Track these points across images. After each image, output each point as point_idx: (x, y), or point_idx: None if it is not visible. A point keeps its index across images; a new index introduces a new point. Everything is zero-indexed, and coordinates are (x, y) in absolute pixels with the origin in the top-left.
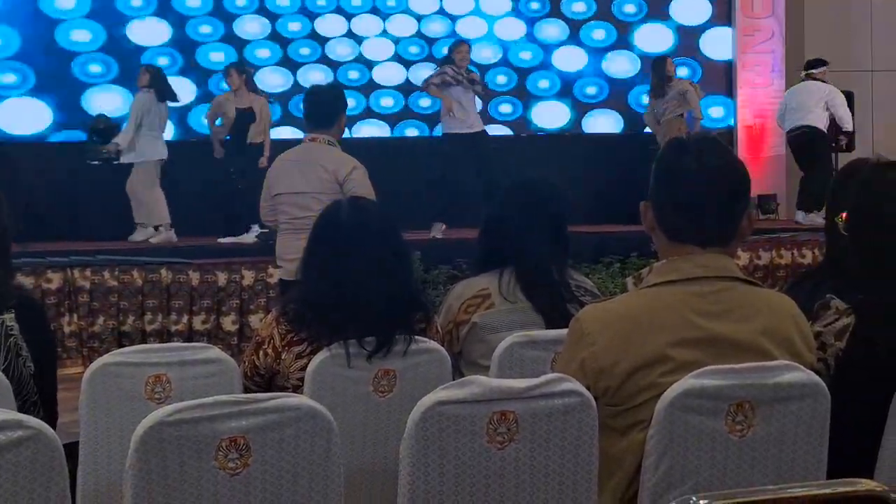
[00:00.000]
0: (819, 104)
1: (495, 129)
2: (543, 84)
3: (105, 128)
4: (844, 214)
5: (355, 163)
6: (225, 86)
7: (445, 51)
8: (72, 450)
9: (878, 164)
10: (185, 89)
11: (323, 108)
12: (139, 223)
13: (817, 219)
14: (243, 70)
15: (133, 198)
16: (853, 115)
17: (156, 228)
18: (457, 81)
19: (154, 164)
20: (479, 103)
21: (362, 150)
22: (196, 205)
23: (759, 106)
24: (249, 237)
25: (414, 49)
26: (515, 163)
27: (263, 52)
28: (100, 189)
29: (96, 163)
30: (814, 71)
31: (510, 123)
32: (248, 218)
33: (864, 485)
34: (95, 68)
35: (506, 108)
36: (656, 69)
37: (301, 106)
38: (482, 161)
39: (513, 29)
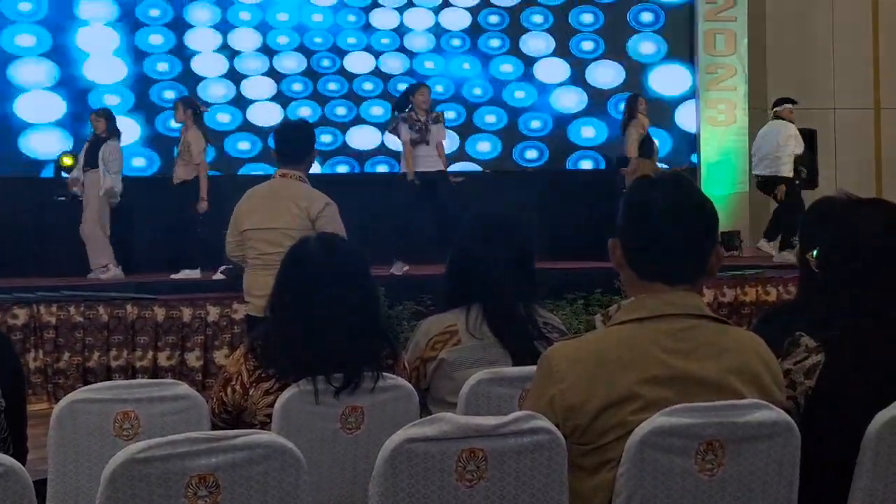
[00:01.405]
0: (780, 148)
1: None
2: (489, 119)
3: (75, 164)
4: (815, 251)
5: (327, 199)
6: (174, 123)
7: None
8: (39, 487)
9: (849, 200)
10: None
11: (295, 145)
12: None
13: (787, 255)
14: (190, 104)
15: (93, 241)
16: (816, 152)
17: (104, 267)
18: (410, 126)
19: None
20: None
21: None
22: (156, 241)
23: (723, 143)
24: (217, 274)
25: (368, 86)
26: (473, 201)
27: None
28: (66, 225)
29: (63, 199)
30: (777, 109)
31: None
32: (215, 258)
33: None
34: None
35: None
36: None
37: (271, 142)
38: (438, 200)
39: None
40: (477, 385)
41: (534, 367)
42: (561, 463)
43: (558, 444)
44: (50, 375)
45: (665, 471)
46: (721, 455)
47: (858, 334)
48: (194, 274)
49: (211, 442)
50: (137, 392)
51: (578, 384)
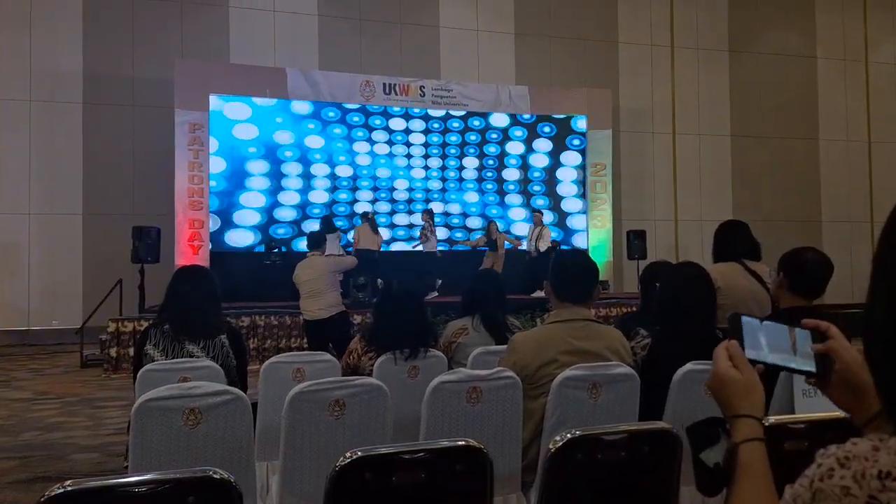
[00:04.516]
0: None
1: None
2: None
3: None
4: (658, 286)
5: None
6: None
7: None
8: (254, 405)
9: (675, 265)
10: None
11: (317, 239)
12: None
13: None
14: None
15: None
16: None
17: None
18: (430, 232)
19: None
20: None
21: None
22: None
23: (600, 236)
24: None
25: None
26: (473, 266)
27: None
28: (270, 275)
29: (268, 262)
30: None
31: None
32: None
33: (658, 425)
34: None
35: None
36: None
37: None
38: (437, 265)
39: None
40: (477, 355)
41: (505, 346)
42: (518, 394)
43: (517, 384)
44: (260, 351)
45: (572, 398)
46: (600, 390)
47: (669, 329)
48: None
49: (342, 382)
50: (305, 358)
51: (527, 354)
